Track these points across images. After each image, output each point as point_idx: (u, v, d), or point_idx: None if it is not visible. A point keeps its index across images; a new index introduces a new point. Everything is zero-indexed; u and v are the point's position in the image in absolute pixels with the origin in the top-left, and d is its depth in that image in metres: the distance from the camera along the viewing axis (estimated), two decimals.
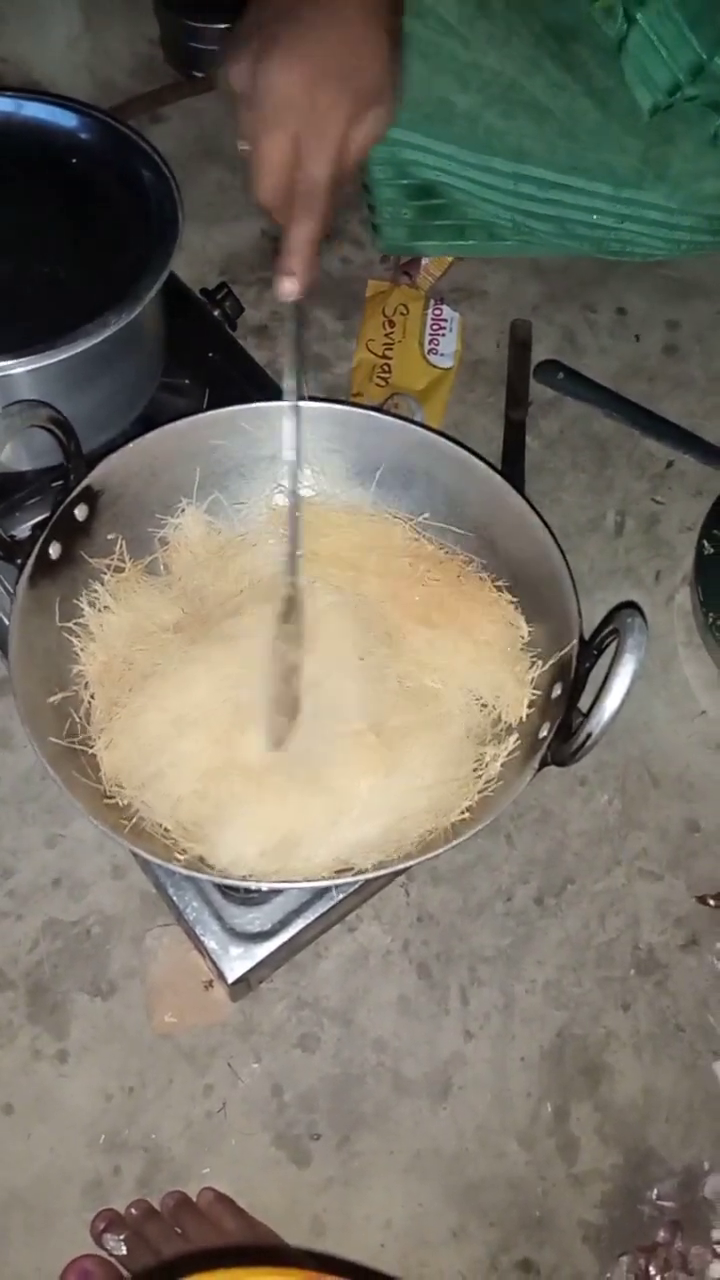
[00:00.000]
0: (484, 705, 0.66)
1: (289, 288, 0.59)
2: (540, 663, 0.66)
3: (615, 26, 0.84)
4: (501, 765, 0.63)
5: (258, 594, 0.69)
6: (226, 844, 0.60)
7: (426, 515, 0.72)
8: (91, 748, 0.62)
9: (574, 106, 0.86)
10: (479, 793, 0.62)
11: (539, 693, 0.65)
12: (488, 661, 0.66)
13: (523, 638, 0.67)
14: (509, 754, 0.63)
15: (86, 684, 0.65)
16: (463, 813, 0.61)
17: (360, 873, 0.59)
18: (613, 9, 0.83)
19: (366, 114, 0.58)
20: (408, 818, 0.62)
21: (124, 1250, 0.65)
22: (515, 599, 0.69)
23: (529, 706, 0.65)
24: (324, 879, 0.59)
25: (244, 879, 0.58)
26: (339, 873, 0.59)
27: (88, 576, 0.67)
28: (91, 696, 0.65)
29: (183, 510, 0.71)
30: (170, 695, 0.63)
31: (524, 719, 0.65)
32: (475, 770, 0.63)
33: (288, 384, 0.65)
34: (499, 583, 0.70)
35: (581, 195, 0.92)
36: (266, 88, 0.56)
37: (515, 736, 0.64)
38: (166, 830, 0.61)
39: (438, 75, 0.85)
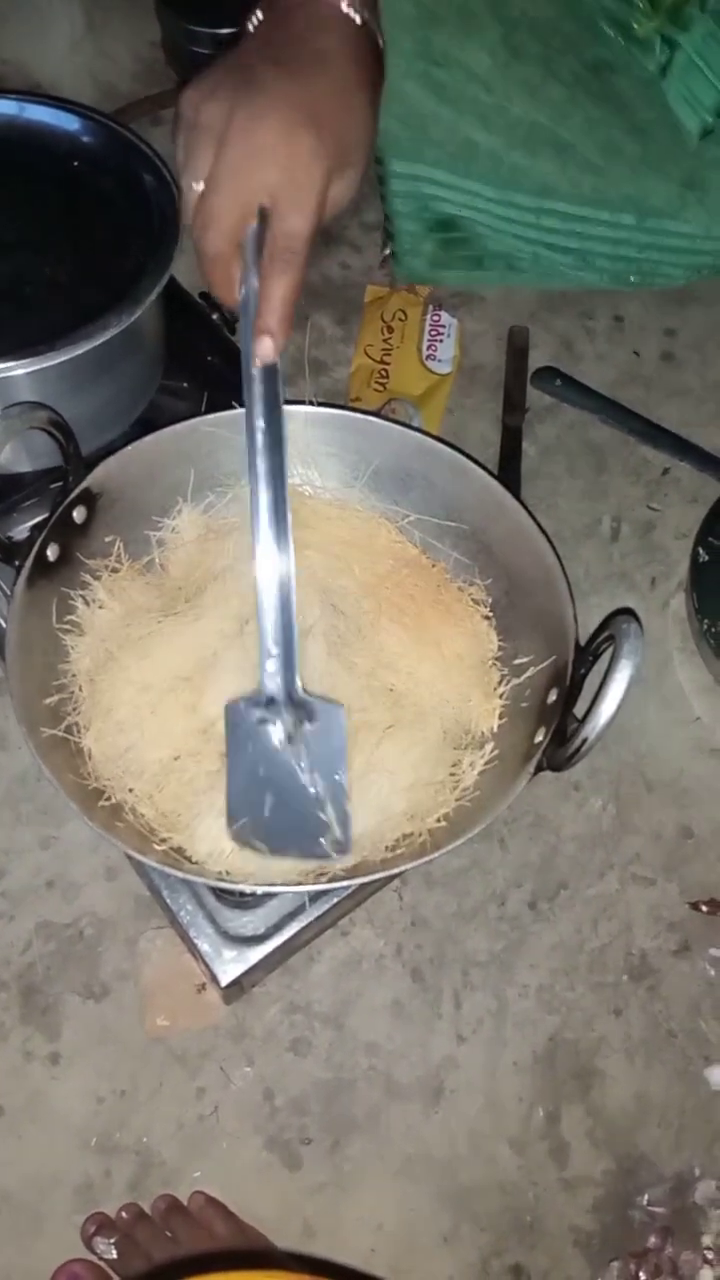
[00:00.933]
0: (455, 712, 0.66)
1: (268, 348, 0.55)
2: (509, 678, 0.66)
3: (655, 57, 0.84)
4: (479, 774, 0.63)
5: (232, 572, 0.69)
6: (203, 834, 0.60)
7: (413, 518, 0.72)
8: (83, 742, 0.63)
9: (610, 141, 0.86)
10: (456, 800, 0.62)
11: (507, 703, 0.66)
12: (455, 674, 0.66)
13: (493, 653, 0.68)
14: (486, 762, 0.63)
15: (79, 683, 0.65)
16: (439, 820, 0.61)
17: (355, 877, 0.59)
18: (649, 40, 0.83)
19: (345, 169, 0.55)
20: (386, 820, 0.61)
21: (114, 1254, 0.65)
22: (490, 615, 0.69)
23: (499, 718, 0.65)
24: (318, 884, 0.59)
25: (220, 876, 0.58)
26: (333, 877, 0.59)
27: (85, 578, 0.67)
28: (79, 689, 0.65)
29: (179, 512, 0.71)
30: (135, 665, 0.63)
31: (494, 730, 0.65)
32: (452, 774, 0.63)
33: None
34: (477, 596, 0.70)
35: (604, 226, 0.92)
36: (243, 130, 0.52)
37: (491, 745, 0.64)
38: (142, 817, 0.60)
39: (462, 118, 0.85)
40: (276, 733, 0.57)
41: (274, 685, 0.56)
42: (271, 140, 0.52)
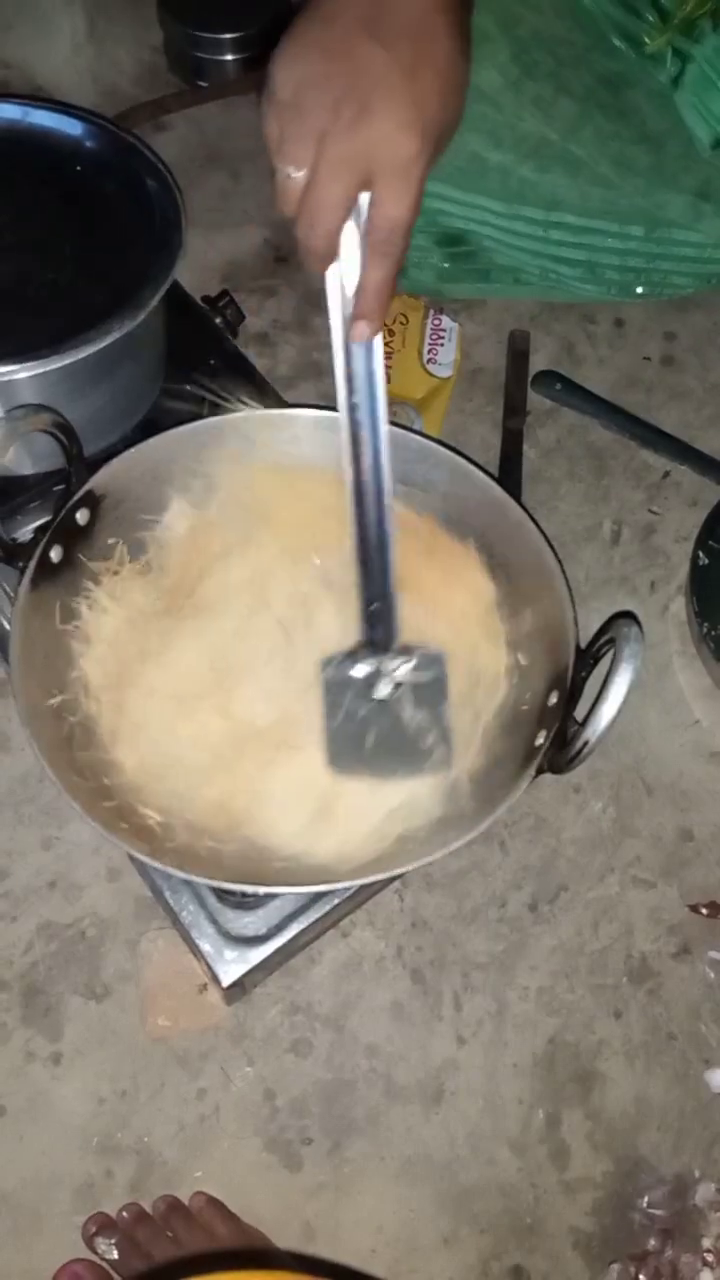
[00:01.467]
0: (468, 664, 0.68)
1: (364, 331, 0.56)
2: (512, 619, 0.67)
3: (666, 70, 0.84)
4: (494, 718, 0.65)
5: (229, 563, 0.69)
6: (270, 820, 0.62)
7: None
8: (99, 753, 0.63)
9: (623, 154, 0.86)
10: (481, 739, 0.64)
11: (513, 656, 0.67)
12: (461, 629, 0.67)
13: (492, 599, 0.69)
14: (499, 707, 0.65)
15: (87, 689, 0.65)
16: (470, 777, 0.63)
17: (355, 878, 0.59)
18: (661, 54, 0.83)
19: (439, 157, 0.55)
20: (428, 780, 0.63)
21: (115, 1254, 0.65)
22: (484, 555, 0.69)
23: (505, 671, 0.67)
24: (319, 884, 0.59)
25: (294, 859, 0.59)
26: (331, 880, 0.59)
27: (87, 580, 0.67)
28: (93, 701, 0.65)
29: (169, 506, 0.70)
30: (158, 676, 0.64)
31: (505, 672, 0.66)
32: (473, 723, 0.65)
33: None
34: (468, 540, 0.70)
35: (613, 238, 0.92)
36: (350, 126, 0.51)
37: (504, 692, 0.66)
38: (192, 825, 0.61)
39: (470, 134, 0.85)
40: (383, 686, 0.62)
41: (380, 634, 0.61)
42: (378, 139, 0.52)
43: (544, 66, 0.82)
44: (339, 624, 0.66)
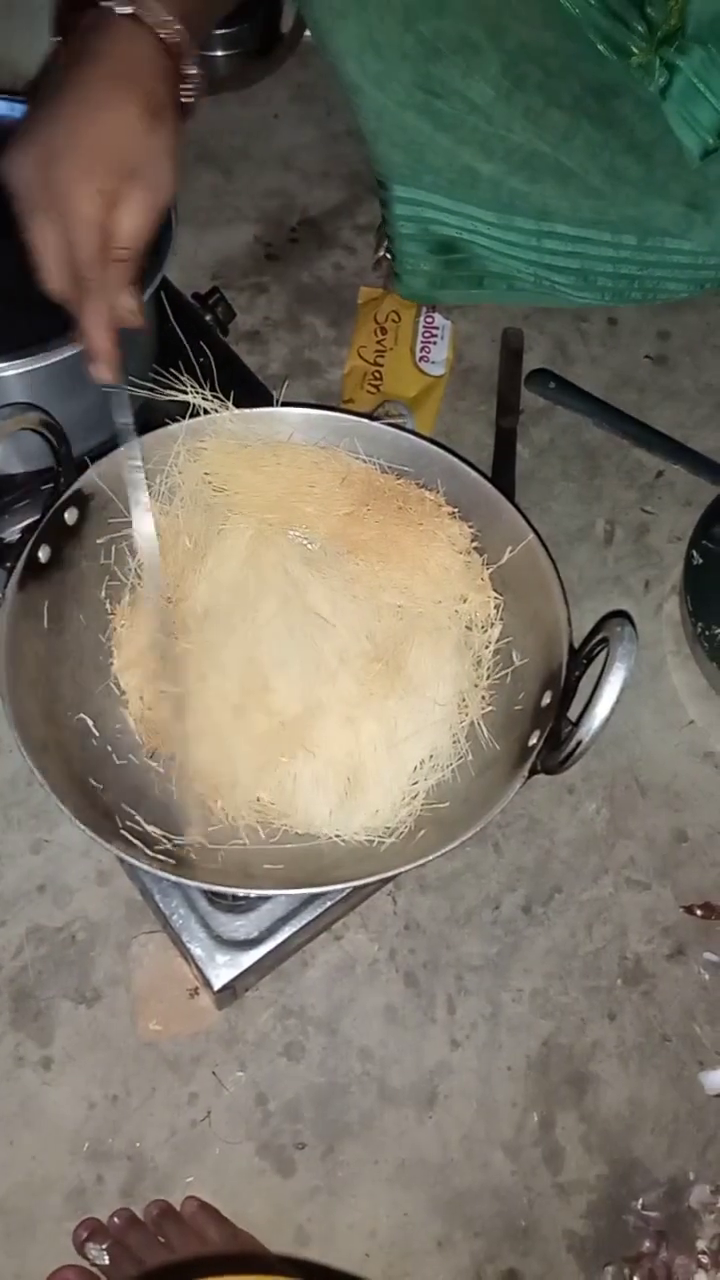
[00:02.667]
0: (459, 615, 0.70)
1: (103, 373, 0.60)
2: (490, 562, 0.69)
3: (654, 80, 0.84)
4: (494, 652, 0.68)
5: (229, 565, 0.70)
6: (309, 799, 0.64)
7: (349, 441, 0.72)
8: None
9: (613, 164, 0.85)
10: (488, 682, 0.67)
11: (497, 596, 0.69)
12: (446, 583, 0.69)
13: (469, 545, 0.70)
14: (497, 642, 0.68)
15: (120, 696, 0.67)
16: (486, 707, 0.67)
17: (347, 880, 0.59)
18: (649, 64, 0.83)
19: (127, 190, 0.56)
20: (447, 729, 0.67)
21: (106, 1260, 0.64)
22: (454, 512, 0.70)
23: (494, 609, 0.69)
24: (311, 887, 0.59)
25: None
26: (324, 883, 0.59)
27: (80, 582, 0.67)
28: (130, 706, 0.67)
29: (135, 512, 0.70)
30: (207, 689, 0.66)
31: (495, 612, 0.68)
32: (477, 666, 0.68)
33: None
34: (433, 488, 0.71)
35: (606, 247, 0.92)
36: (13, 176, 0.56)
37: (497, 629, 0.68)
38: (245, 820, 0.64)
39: (461, 146, 0.84)
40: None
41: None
42: (31, 176, 0.56)
43: (533, 78, 0.82)
44: (329, 603, 0.68)
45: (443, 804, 0.65)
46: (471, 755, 0.66)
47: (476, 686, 0.67)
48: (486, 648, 0.68)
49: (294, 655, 0.67)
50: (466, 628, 0.69)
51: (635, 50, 0.83)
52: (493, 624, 0.68)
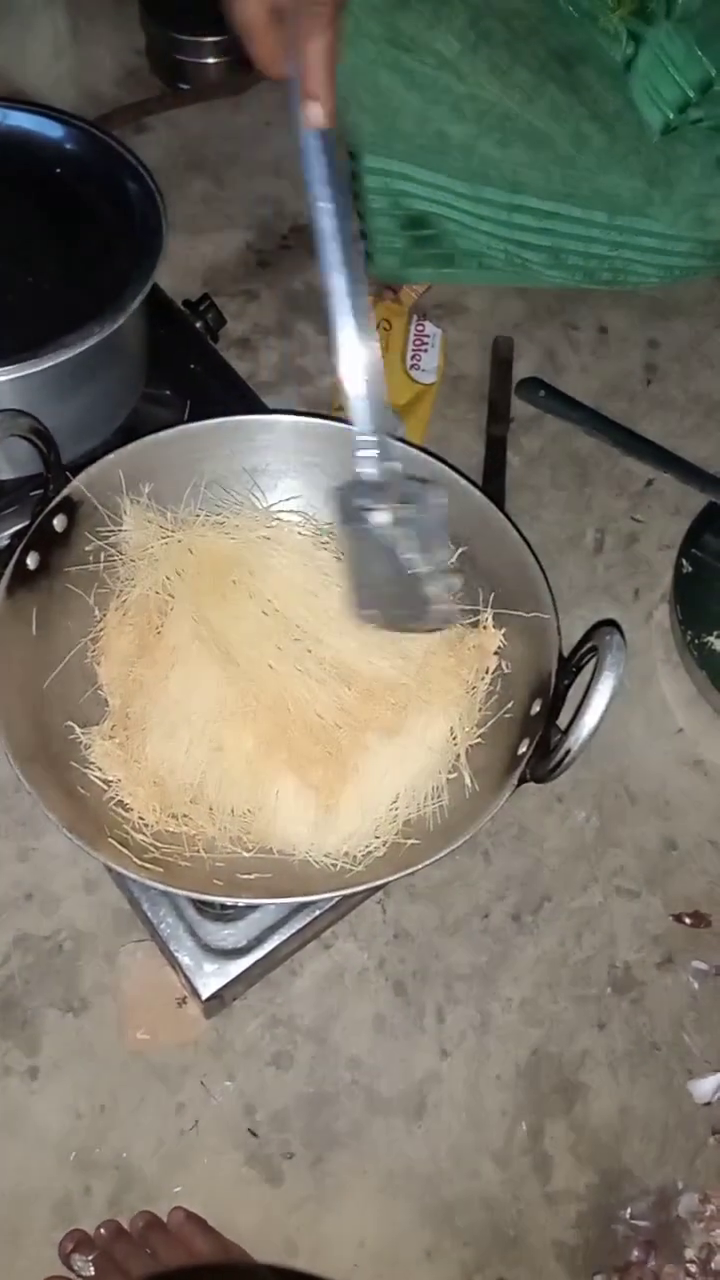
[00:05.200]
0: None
1: (316, 113, 0.53)
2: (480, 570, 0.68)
3: (621, 49, 0.84)
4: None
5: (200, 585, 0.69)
6: (285, 817, 0.63)
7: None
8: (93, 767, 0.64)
9: (579, 130, 0.85)
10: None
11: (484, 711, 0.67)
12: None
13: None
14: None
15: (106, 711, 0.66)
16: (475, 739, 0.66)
17: (336, 889, 0.59)
18: (617, 32, 0.83)
19: None
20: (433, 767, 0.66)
21: (92, 1271, 0.64)
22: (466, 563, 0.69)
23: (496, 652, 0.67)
24: (299, 896, 0.59)
25: (217, 895, 0.58)
26: (312, 891, 0.59)
27: (68, 589, 0.66)
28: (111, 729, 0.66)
29: (125, 512, 0.69)
30: (169, 697, 0.65)
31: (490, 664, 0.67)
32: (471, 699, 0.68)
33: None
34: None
35: (577, 224, 0.92)
36: None
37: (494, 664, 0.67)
38: (212, 839, 0.63)
39: (433, 107, 0.85)
40: (381, 516, 0.59)
41: (374, 471, 0.58)
42: None
43: (499, 35, 0.82)
44: (310, 614, 0.68)
45: (430, 815, 0.64)
46: (448, 793, 0.66)
47: (467, 722, 0.67)
48: (483, 678, 0.67)
49: (262, 668, 0.66)
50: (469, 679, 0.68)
51: (602, 16, 0.83)
52: (490, 671, 0.68)
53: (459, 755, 0.66)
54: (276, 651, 0.66)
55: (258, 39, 0.55)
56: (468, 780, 0.65)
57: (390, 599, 0.62)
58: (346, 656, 0.67)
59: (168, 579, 0.68)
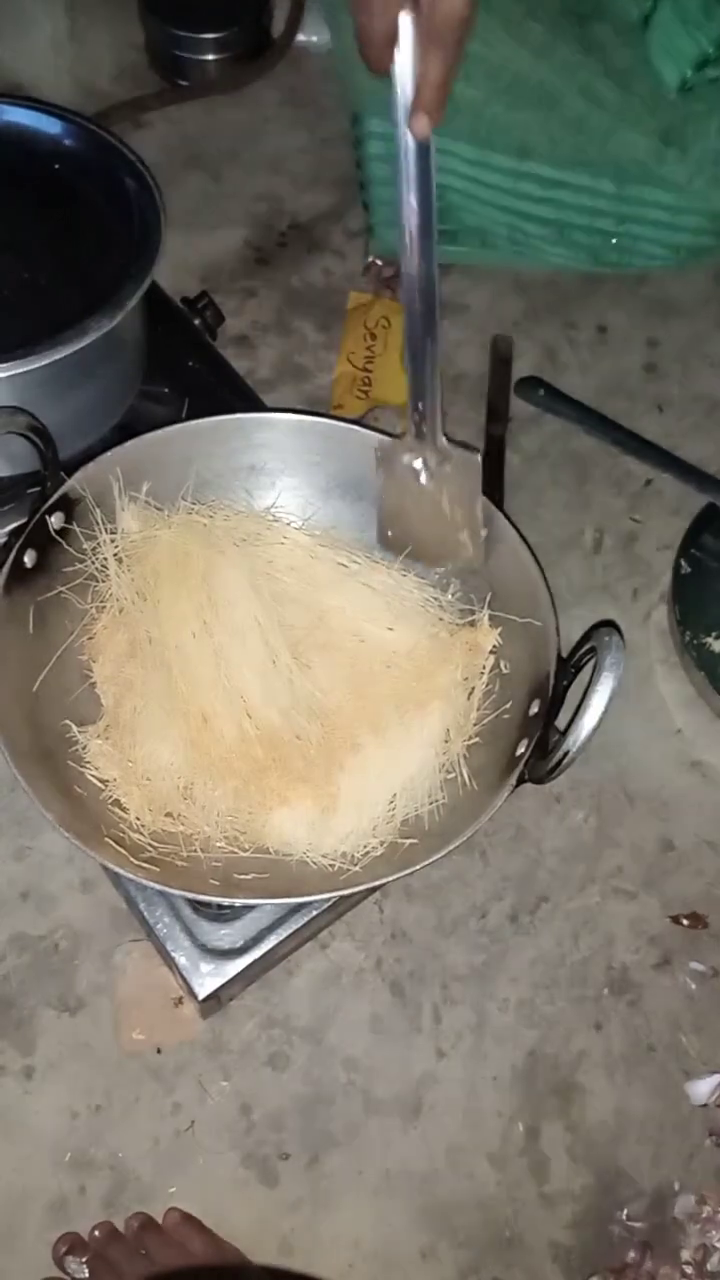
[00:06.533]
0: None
1: (424, 126, 0.57)
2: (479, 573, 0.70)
3: (638, 4, 0.83)
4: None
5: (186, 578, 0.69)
6: (280, 821, 0.63)
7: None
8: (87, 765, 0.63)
9: (591, 87, 0.84)
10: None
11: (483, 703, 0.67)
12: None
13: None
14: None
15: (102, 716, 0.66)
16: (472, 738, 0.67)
17: (333, 890, 0.59)
18: None
19: None
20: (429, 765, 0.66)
21: (85, 1273, 0.64)
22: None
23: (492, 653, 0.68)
24: (296, 896, 0.59)
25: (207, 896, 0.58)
26: (309, 891, 0.59)
27: (65, 587, 0.66)
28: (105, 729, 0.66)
29: (123, 510, 0.69)
30: (163, 692, 0.65)
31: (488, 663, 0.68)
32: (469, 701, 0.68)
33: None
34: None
35: (583, 194, 0.90)
36: None
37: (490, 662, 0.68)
38: (207, 837, 0.62)
39: None
40: (419, 468, 0.67)
41: (421, 431, 0.66)
42: None
43: None
44: (306, 614, 0.68)
45: (427, 815, 0.64)
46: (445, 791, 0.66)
47: (463, 723, 0.67)
48: (480, 675, 0.68)
49: (257, 669, 0.66)
50: (464, 677, 0.68)
51: None
52: (488, 670, 0.68)
53: (458, 755, 0.66)
54: (264, 647, 0.66)
55: (375, 47, 0.57)
56: (465, 780, 0.65)
57: (418, 533, 0.68)
58: (340, 654, 0.67)
59: (151, 579, 0.67)
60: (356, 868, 0.61)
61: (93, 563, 0.67)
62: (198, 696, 0.64)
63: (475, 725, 0.67)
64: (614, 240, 0.93)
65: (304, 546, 0.70)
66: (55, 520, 0.65)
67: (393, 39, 0.55)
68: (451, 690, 0.67)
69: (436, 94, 0.56)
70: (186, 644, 0.65)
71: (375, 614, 0.69)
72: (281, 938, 0.65)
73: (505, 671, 0.67)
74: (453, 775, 0.66)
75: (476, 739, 0.66)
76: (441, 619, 0.70)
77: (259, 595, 0.67)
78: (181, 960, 0.64)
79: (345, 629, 0.68)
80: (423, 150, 0.58)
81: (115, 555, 0.67)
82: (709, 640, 0.83)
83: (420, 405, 0.65)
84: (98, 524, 0.66)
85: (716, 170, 0.88)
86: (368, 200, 0.95)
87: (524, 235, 0.94)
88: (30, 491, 0.66)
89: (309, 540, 0.71)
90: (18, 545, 0.62)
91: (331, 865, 0.61)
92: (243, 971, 0.64)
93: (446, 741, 0.66)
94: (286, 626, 0.67)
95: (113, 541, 0.67)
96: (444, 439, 0.66)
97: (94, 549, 0.67)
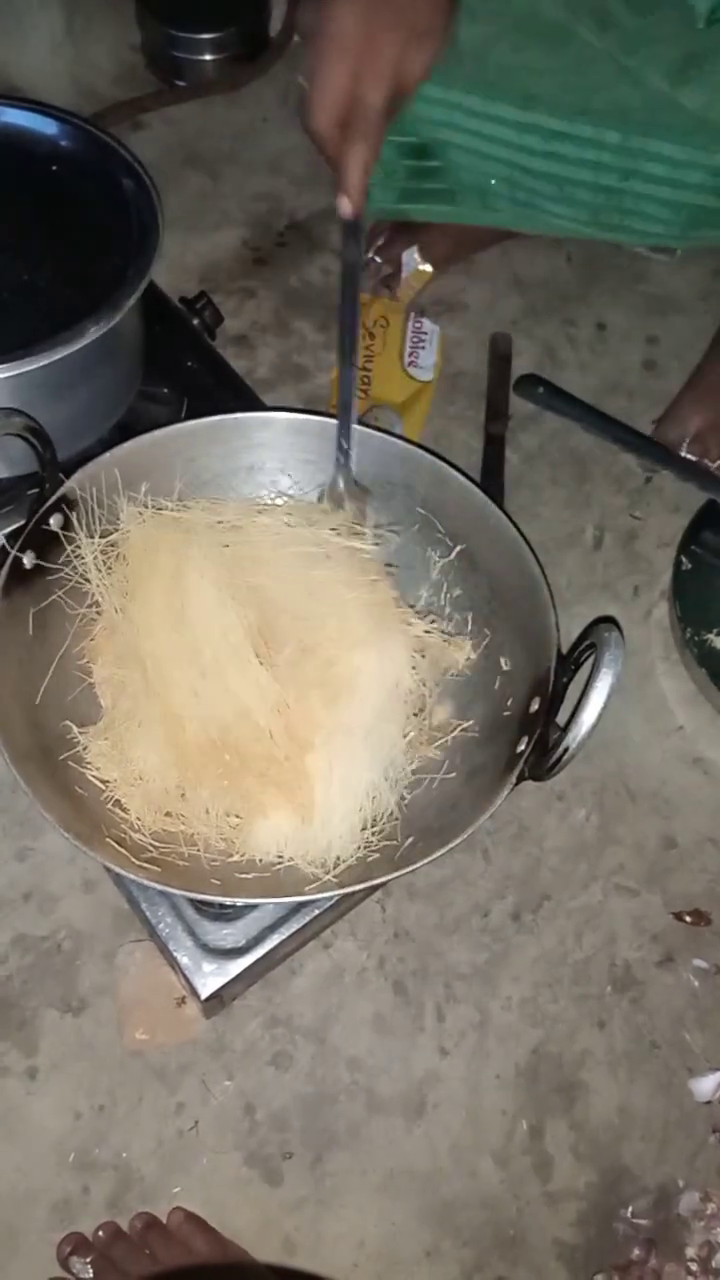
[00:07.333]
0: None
1: (347, 206, 0.65)
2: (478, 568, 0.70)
3: None
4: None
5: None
6: (261, 830, 0.62)
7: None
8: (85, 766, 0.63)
9: (607, 10, 0.82)
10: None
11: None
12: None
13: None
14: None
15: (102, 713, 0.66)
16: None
17: (337, 887, 0.59)
18: None
19: (419, 46, 0.63)
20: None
21: (90, 1273, 0.64)
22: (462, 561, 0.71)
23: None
24: (298, 895, 0.58)
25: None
26: (310, 891, 0.59)
27: (64, 589, 0.66)
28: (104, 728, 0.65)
29: (122, 511, 0.68)
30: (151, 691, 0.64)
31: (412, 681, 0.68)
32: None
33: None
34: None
35: (587, 146, 0.86)
36: (328, 23, 0.62)
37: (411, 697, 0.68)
38: (195, 842, 0.62)
39: None
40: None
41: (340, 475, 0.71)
42: (351, 28, 0.62)
43: None
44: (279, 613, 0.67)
45: (425, 813, 0.64)
46: (458, 765, 0.66)
47: (425, 727, 0.67)
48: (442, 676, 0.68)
49: (242, 672, 0.65)
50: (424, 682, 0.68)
51: None
52: (445, 672, 0.69)
53: (452, 753, 0.66)
54: (231, 648, 0.65)
55: (325, 147, 0.65)
56: (465, 777, 0.64)
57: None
58: (307, 656, 0.67)
59: (129, 580, 0.67)
60: (353, 864, 0.61)
61: (78, 566, 0.66)
62: (170, 697, 0.63)
63: (443, 730, 0.67)
64: (615, 199, 0.90)
65: (285, 536, 0.70)
66: (54, 522, 0.65)
67: (334, 139, 0.64)
68: (412, 694, 0.67)
69: (354, 177, 0.64)
70: (159, 644, 0.64)
71: (351, 626, 0.68)
72: (284, 937, 0.65)
73: (506, 669, 0.67)
74: (453, 774, 0.66)
75: (474, 734, 0.66)
76: (410, 624, 0.69)
77: (230, 594, 0.66)
78: (184, 960, 0.64)
79: (315, 630, 0.68)
80: (352, 228, 0.66)
81: (96, 558, 0.66)
82: (710, 637, 0.83)
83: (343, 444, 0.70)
84: (79, 526, 0.65)
85: None
86: None
87: (525, 193, 0.92)
88: (29, 493, 0.66)
89: (295, 523, 0.71)
90: (16, 547, 0.62)
91: (323, 869, 0.61)
92: (245, 971, 0.64)
93: (410, 745, 0.66)
94: (259, 625, 0.66)
95: (93, 543, 0.66)
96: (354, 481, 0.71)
97: (75, 552, 0.66)
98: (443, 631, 0.70)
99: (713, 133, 0.85)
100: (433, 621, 0.71)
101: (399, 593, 0.71)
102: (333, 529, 0.71)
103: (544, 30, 0.82)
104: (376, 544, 0.71)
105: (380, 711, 0.66)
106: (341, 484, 0.72)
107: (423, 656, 0.69)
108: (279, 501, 0.73)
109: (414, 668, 0.68)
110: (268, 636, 0.66)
